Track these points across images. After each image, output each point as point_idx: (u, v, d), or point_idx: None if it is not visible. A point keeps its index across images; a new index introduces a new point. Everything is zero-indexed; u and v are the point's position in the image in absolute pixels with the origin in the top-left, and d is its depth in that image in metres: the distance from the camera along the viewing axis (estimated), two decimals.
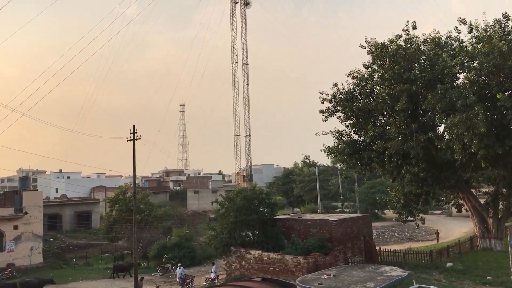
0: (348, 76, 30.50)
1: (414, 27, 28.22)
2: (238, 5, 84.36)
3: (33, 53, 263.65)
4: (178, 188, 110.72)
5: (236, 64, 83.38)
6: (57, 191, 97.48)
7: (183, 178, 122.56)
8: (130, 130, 27.68)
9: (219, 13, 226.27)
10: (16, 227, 39.06)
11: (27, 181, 47.72)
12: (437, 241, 45.18)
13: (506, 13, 25.63)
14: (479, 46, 24.66)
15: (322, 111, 30.42)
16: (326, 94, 30.26)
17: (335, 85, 30.22)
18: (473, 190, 33.34)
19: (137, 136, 27.84)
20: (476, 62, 24.43)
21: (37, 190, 56.19)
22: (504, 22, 25.64)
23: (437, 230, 50.18)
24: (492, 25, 25.78)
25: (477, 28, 26.45)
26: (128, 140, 27.83)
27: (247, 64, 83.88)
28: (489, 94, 23.94)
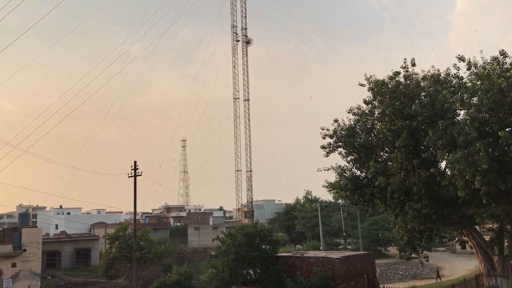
0: (348, 112, 30.68)
1: (413, 64, 28.61)
2: (240, 43, 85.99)
3: (36, 89, 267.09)
4: (178, 224, 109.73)
5: (238, 99, 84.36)
6: (56, 227, 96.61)
7: (183, 214, 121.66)
8: (132, 166, 27.69)
9: (221, 51, 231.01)
10: (14, 265, 38.47)
11: (26, 217, 47.39)
12: (439, 279, 44.08)
13: (503, 50, 26.02)
14: (478, 83, 24.90)
15: (323, 147, 30.45)
16: (327, 129, 30.38)
17: (336, 121, 30.38)
18: (477, 227, 32.91)
19: (138, 173, 27.82)
20: (476, 98, 24.60)
21: (36, 227, 55.75)
22: (502, 60, 25.97)
23: (437, 267, 49.20)
24: (490, 62, 26.12)
25: (475, 65, 26.77)
26: (129, 177, 27.80)
27: (248, 100, 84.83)
28: (490, 130, 24.00)
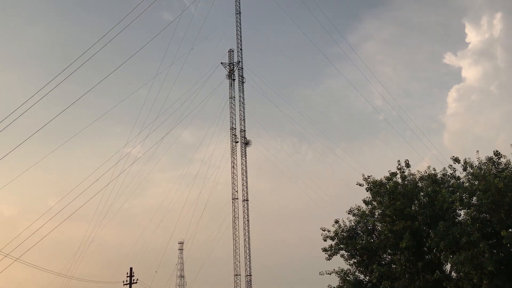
0: (349, 213, 30.49)
1: (408, 165, 28.98)
2: (239, 144, 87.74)
3: (35, 191, 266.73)
4: None
5: (237, 200, 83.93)
6: None
7: None
8: (127, 273, 26.85)
9: (221, 151, 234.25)
10: None
11: None
12: None
13: (497, 151, 26.55)
14: (476, 183, 25.07)
15: (325, 249, 29.81)
16: (328, 231, 30.00)
17: (336, 221, 30.11)
18: None
19: (134, 280, 26.92)
20: (475, 198, 24.63)
21: None
22: (497, 160, 26.42)
23: None
24: (486, 163, 26.53)
25: (471, 166, 27.15)
26: (124, 285, 26.84)
27: (247, 200, 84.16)
28: (492, 231, 23.70)
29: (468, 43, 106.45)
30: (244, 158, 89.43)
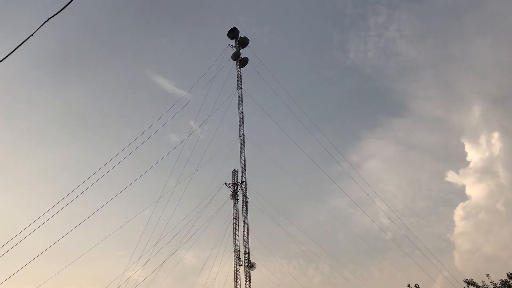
0: None
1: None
2: (242, 267, 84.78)
3: None
4: None
5: None
6: None
7: None
8: None
9: (224, 275, 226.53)
10: None
11: None
12: None
13: (510, 273, 25.23)
14: None
15: None
16: None
17: None
18: None
19: None
20: None
21: None
22: (510, 282, 25.02)
23: None
24: (500, 286, 25.09)
25: None
26: None
27: None
28: None
29: (469, 162, 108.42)
30: (248, 282, 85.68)
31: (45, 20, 10.50)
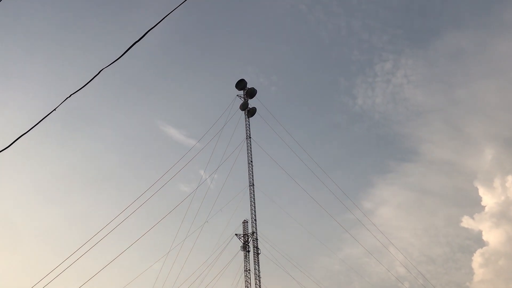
0: None
1: None
2: None
3: None
4: None
5: None
6: None
7: None
8: None
9: None
10: None
11: None
12: None
13: None
14: None
15: None
16: None
17: None
18: None
19: None
20: None
21: None
22: None
23: None
24: None
25: None
26: None
27: None
28: None
29: (484, 206, 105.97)
30: None
31: (68, 96, 10.55)
